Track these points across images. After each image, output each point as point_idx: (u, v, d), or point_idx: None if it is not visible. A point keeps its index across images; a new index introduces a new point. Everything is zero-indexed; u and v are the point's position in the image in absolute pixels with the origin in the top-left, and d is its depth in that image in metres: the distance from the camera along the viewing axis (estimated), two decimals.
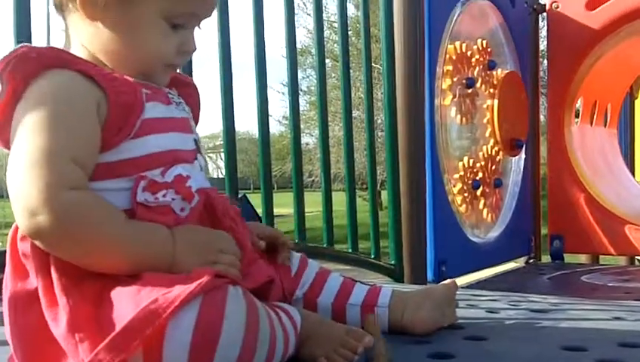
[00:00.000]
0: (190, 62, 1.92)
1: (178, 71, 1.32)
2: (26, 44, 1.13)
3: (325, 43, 2.59)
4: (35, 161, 1.00)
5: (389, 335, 1.40)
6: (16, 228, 1.07)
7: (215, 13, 2.03)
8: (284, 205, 3.70)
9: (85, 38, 1.16)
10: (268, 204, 2.15)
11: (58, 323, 1.00)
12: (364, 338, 1.20)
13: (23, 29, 1.58)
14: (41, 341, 1.02)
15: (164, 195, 1.09)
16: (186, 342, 0.92)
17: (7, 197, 1.05)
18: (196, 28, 1.22)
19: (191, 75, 1.93)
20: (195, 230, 1.11)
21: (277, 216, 2.21)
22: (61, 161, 1.01)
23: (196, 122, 1.30)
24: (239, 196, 3.19)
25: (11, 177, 1.02)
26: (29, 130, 1.03)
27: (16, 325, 1.04)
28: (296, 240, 2.25)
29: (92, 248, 1.01)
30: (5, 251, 1.10)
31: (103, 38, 1.14)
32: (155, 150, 1.12)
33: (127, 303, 0.97)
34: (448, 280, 1.55)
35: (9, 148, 1.07)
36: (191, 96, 1.30)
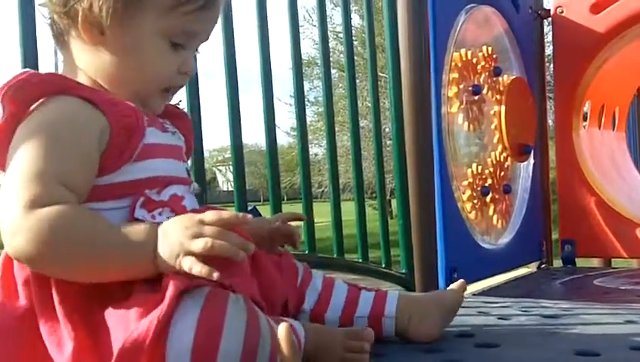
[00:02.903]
0: (196, 76, 1.93)
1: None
2: (27, 69, 1.15)
3: (331, 54, 2.61)
4: (18, 183, 1.01)
5: (400, 341, 1.41)
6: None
7: (220, 26, 2.05)
8: None
9: (86, 63, 1.18)
10: None
11: (62, 350, 1.01)
12: (363, 334, 1.23)
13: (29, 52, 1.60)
14: None
15: (159, 213, 1.11)
16: (187, 348, 0.93)
17: None
18: (195, 52, 1.24)
19: (197, 90, 1.94)
20: (175, 218, 1.07)
21: None
22: (44, 182, 1.02)
23: (189, 152, 1.32)
24: (249, 208, 3.19)
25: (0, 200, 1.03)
26: (23, 155, 1.04)
27: (5, 348, 1.03)
28: (307, 251, 2.25)
29: (72, 258, 1.01)
30: None
31: (104, 62, 1.16)
32: (153, 174, 1.14)
33: (120, 330, 0.98)
34: (457, 284, 1.55)
35: (4, 171, 1.08)
36: (184, 127, 1.32)
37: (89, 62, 1.17)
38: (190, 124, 1.36)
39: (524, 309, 1.89)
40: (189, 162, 1.35)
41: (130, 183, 1.11)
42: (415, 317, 1.42)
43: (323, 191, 14.53)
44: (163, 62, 1.18)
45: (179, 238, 1.01)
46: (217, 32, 2.03)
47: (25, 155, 1.03)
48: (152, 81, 1.19)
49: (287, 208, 2.33)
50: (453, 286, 1.55)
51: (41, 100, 1.09)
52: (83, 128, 1.08)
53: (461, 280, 1.56)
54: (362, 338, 1.23)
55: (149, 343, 0.93)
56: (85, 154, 1.07)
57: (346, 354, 1.22)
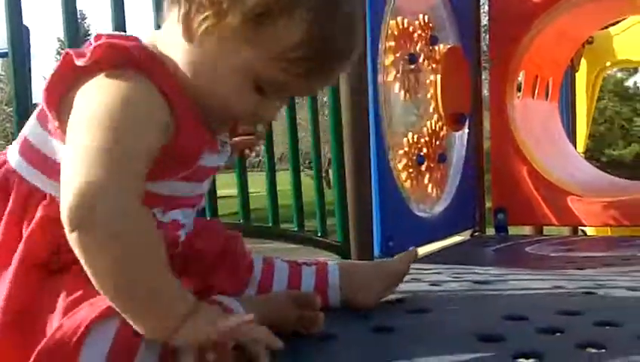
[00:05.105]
0: None
1: None
2: (138, 38, 1.09)
3: None
4: (110, 159, 0.95)
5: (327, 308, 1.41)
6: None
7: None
8: (227, 186, 3.67)
9: (175, 45, 1.08)
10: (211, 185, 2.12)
11: None
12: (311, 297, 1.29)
13: None
14: None
15: None
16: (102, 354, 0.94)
17: None
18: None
19: None
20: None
21: (220, 197, 2.19)
22: (133, 168, 0.97)
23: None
24: None
25: (73, 160, 0.96)
26: (106, 120, 0.97)
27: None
28: (241, 220, 2.24)
29: (119, 266, 0.94)
30: None
31: (189, 57, 1.07)
32: (174, 193, 1.12)
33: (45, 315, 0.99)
34: (406, 253, 1.54)
35: (51, 111, 1.04)
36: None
37: (178, 46, 1.07)
38: None
39: (455, 275, 1.91)
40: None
41: (151, 194, 1.05)
42: (356, 286, 1.43)
43: (260, 160, 14.48)
44: (239, 101, 1.08)
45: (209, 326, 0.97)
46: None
47: (112, 129, 0.96)
48: (223, 111, 1.10)
49: (220, 177, 2.30)
50: (401, 255, 1.54)
51: (128, 71, 1.01)
52: (158, 124, 1.01)
53: (412, 250, 1.55)
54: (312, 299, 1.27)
55: (73, 345, 0.93)
56: (155, 146, 1.01)
57: (304, 313, 1.24)
